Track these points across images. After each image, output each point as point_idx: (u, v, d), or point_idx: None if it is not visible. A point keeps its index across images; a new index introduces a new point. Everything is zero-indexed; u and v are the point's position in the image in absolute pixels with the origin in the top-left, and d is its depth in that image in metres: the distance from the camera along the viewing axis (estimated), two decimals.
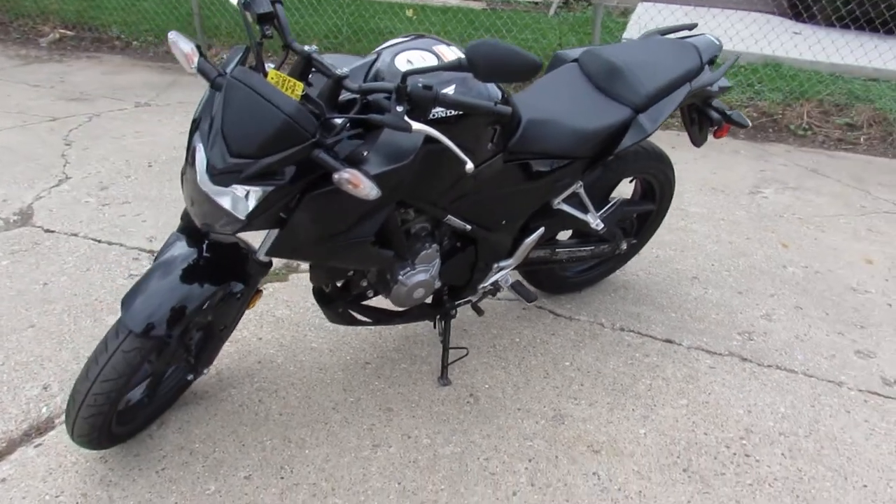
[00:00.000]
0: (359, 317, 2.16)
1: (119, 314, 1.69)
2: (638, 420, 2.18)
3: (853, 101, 4.95)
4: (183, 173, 1.62)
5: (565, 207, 2.24)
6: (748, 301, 2.82)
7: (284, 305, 2.64)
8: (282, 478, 1.92)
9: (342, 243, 1.71)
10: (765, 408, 2.25)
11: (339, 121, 1.58)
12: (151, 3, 6.63)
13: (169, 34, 1.61)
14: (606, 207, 2.37)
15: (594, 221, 2.32)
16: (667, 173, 2.55)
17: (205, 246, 1.80)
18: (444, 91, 1.61)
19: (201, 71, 1.56)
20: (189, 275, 1.71)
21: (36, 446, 1.99)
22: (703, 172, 4.06)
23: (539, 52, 5.45)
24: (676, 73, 2.19)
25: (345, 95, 1.63)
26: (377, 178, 1.55)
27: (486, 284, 2.27)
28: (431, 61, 1.73)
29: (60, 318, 2.53)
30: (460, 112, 1.68)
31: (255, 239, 1.75)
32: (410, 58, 1.74)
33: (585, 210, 2.30)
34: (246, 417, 2.12)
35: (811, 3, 6.00)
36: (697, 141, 2.58)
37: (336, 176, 1.50)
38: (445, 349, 2.29)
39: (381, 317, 2.19)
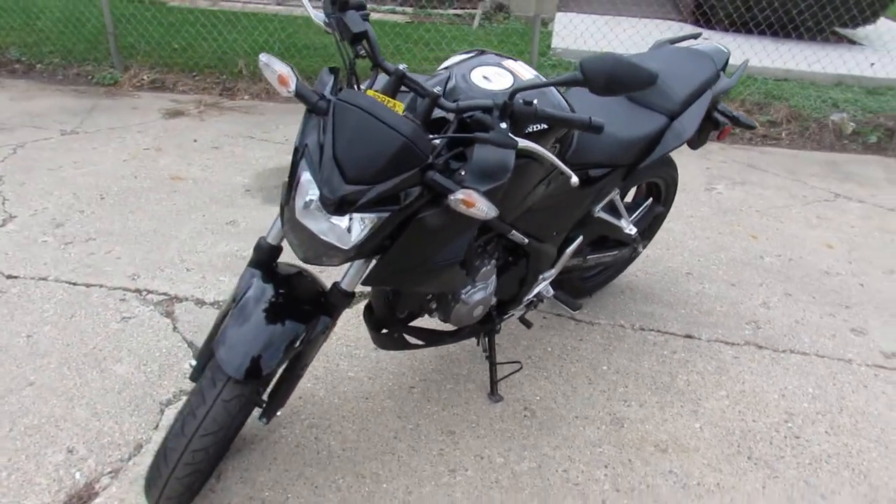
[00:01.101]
0: (412, 340, 2.10)
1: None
2: (689, 415, 2.25)
3: (770, 100, 5.36)
4: (283, 206, 1.52)
5: (603, 215, 2.28)
6: (743, 292, 2.98)
7: None
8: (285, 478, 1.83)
9: (436, 266, 1.66)
10: (795, 390, 2.39)
11: (437, 141, 1.53)
12: (48, 22, 6.14)
13: (260, 56, 1.50)
14: (638, 212, 2.44)
15: (627, 226, 2.38)
16: (673, 175, 2.66)
17: (279, 280, 1.69)
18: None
19: (300, 95, 1.47)
20: (276, 313, 1.61)
21: None
22: None
23: None
24: (700, 79, 2.29)
25: (436, 114, 1.59)
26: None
27: (530, 297, 2.27)
28: (507, 77, 1.72)
29: (60, 372, 2.29)
30: (545, 127, 1.68)
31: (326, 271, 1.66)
32: (486, 73, 1.72)
33: (619, 216, 2.36)
34: (308, 457, 2.01)
35: (713, 10, 6.44)
36: (695, 144, 2.69)
37: (452, 197, 1.45)
38: (493, 365, 2.27)
39: (433, 338, 2.14)
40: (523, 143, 1.51)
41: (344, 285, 1.67)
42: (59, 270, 2.85)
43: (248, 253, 2.93)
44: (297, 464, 1.98)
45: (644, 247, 2.76)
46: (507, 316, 2.25)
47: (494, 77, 1.70)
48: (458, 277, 1.77)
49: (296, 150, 1.51)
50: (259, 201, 3.58)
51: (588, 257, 2.45)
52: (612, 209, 2.33)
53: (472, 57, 1.79)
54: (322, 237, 1.46)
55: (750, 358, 2.54)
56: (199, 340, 2.46)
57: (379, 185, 1.41)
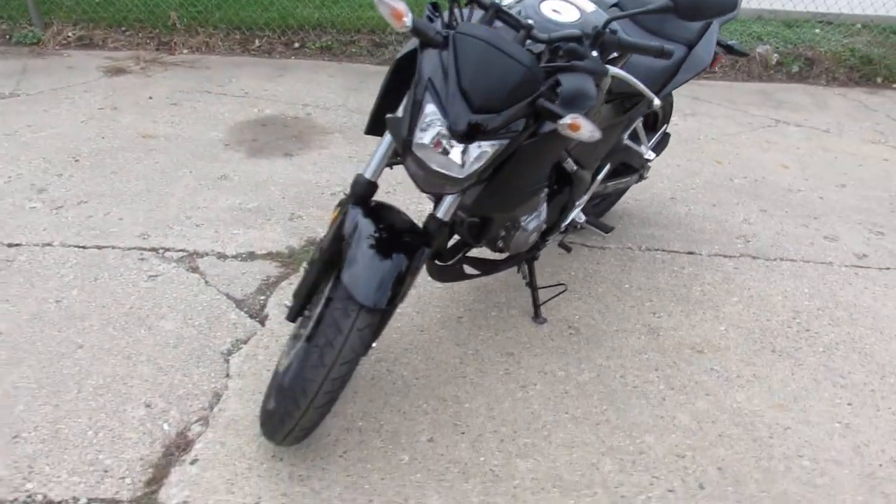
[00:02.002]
0: (469, 270, 2.20)
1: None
2: (713, 320, 2.49)
3: None
4: (403, 139, 1.56)
5: (629, 142, 2.44)
6: (724, 211, 3.26)
7: None
8: (462, 433, 1.96)
9: (531, 191, 1.76)
10: (794, 292, 2.68)
11: None
12: None
13: None
14: (655, 138, 2.62)
15: (647, 152, 2.55)
16: (671, 100, 2.84)
17: (379, 215, 1.75)
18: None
19: (416, 30, 1.51)
20: (388, 245, 1.66)
21: (192, 462, 1.82)
22: None
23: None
24: None
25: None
26: None
27: (567, 223, 2.41)
28: (572, 10, 1.81)
29: (106, 332, 2.25)
30: (615, 55, 1.80)
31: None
32: (554, 6, 1.81)
33: (640, 142, 2.53)
34: (387, 388, 2.10)
35: None
36: None
37: (561, 122, 1.56)
38: (535, 289, 2.42)
39: (488, 267, 2.25)
40: (613, 69, 1.63)
41: (440, 215, 1.75)
42: (63, 235, 2.74)
43: (253, 205, 2.94)
44: (379, 394, 2.06)
45: (647, 172, 2.96)
46: (547, 242, 2.38)
47: (563, 10, 1.79)
48: (538, 202, 1.88)
49: (414, 83, 1.55)
50: (242, 155, 3.52)
51: (608, 184, 2.62)
52: (633, 136, 2.49)
53: None
54: (442, 169, 1.53)
55: (748, 267, 2.82)
56: (235, 292, 2.46)
57: (504, 113, 1.49)
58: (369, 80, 4.76)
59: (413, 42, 1.88)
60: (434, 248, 1.80)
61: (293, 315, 1.84)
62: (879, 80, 5.47)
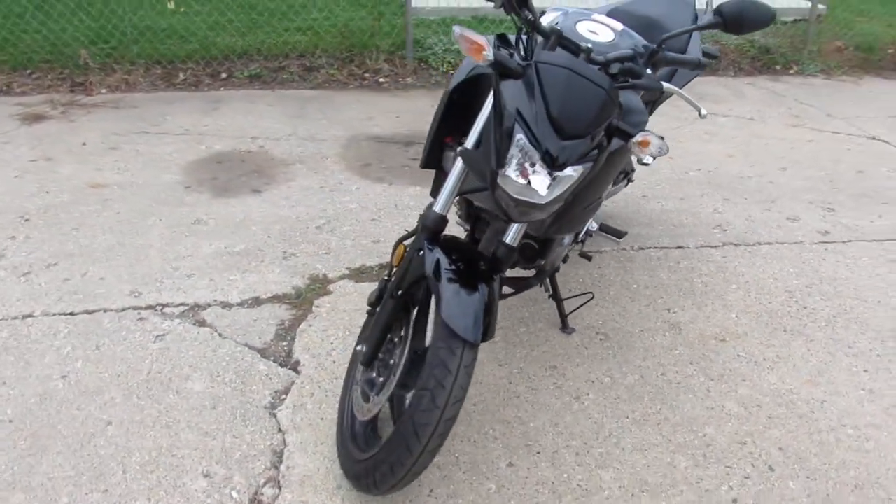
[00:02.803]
0: (504, 290, 2.22)
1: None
2: (723, 309, 2.63)
3: None
4: (495, 170, 1.55)
5: (634, 147, 2.53)
6: (693, 203, 3.44)
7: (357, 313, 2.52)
8: (538, 453, 1.97)
9: (592, 208, 1.80)
10: (781, 272, 2.87)
11: None
12: None
13: (455, 28, 1.52)
14: None
15: (646, 157, 2.65)
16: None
17: (452, 248, 1.73)
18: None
19: (498, 62, 1.51)
20: (470, 278, 1.65)
21: None
22: None
23: (348, 26, 5.47)
24: (689, 19, 2.60)
25: None
26: None
27: (584, 232, 2.47)
28: (606, 30, 1.87)
29: (132, 403, 2.09)
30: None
31: None
32: (589, 28, 1.87)
33: None
34: None
35: None
36: None
37: (634, 140, 1.61)
38: (560, 301, 2.46)
39: (522, 284, 2.27)
40: (667, 85, 1.70)
41: (509, 241, 1.75)
42: (43, 304, 2.52)
43: (240, 248, 2.83)
44: None
45: (633, 175, 3.08)
46: (569, 253, 2.43)
47: (599, 30, 1.84)
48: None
49: (493, 115, 1.54)
50: (209, 195, 3.37)
51: (609, 188, 2.70)
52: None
53: (560, 14, 1.92)
54: (528, 198, 1.53)
55: (734, 255, 2.99)
56: (254, 342, 2.36)
57: (589, 137, 1.52)
58: (309, 106, 4.68)
59: (463, 72, 1.89)
60: (503, 273, 1.80)
61: (368, 360, 1.79)
62: (778, 67, 5.94)
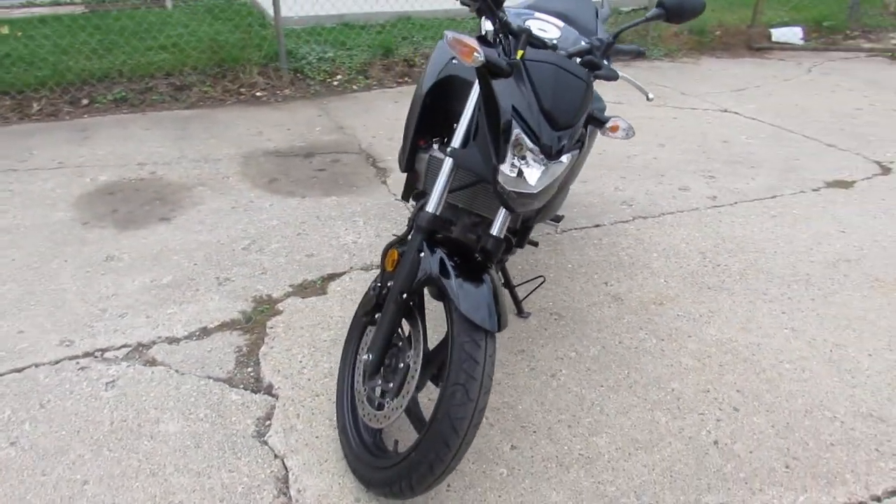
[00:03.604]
0: None
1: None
2: (652, 276, 2.87)
3: None
4: (496, 165, 1.61)
5: None
6: (596, 185, 3.70)
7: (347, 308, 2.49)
8: (534, 432, 2.06)
9: (567, 189, 1.92)
10: (689, 237, 3.17)
11: None
12: None
13: (446, 33, 1.56)
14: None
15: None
16: None
17: (448, 244, 1.78)
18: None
19: (490, 62, 1.57)
20: (472, 271, 1.71)
21: None
22: None
23: (216, 41, 5.27)
24: (591, 12, 2.79)
25: None
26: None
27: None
28: (552, 28, 2.01)
29: (105, 458, 1.94)
30: None
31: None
32: (539, 27, 1.99)
33: None
34: None
35: None
36: None
37: (607, 125, 1.75)
38: (512, 288, 2.58)
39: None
40: (622, 74, 1.85)
41: (496, 233, 1.82)
42: None
43: (167, 279, 2.70)
44: None
45: None
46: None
47: (547, 28, 1.97)
48: None
49: (483, 113, 1.61)
50: (113, 230, 3.15)
51: None
52: None
53: (510, 14, 2.02)
54: (527, 188, 1.62)
55: (645, 226, 3.26)
56: (216, 373, 2.27)
57: (575, 126, 1.63)
58: (190, 127, 4.48)
59: (433, 75, 1.93)
60: (494, 264, 1.87)
61: (375, 368, 1.79)
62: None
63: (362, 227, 3.21)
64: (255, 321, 2.53)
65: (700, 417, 2.11)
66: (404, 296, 1.72)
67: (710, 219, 3.33)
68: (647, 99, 2.04)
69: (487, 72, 1.60)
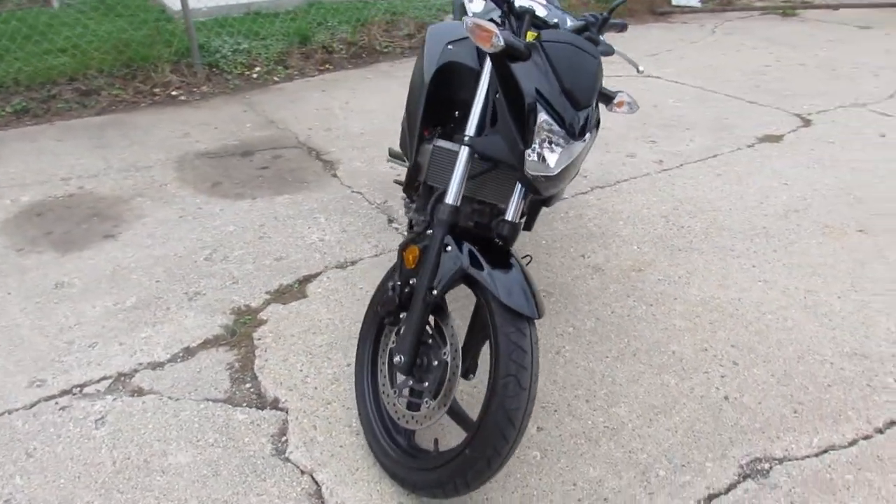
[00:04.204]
0: None
1: None
2: (622, 244, 2.94)
3: (397, 17, 6.08)
4: (523, 150, 1.59)
5: None
6: None
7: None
8: (555, 410, 2.07)
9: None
10: (648, 202, 3.27)
11: None
12: None
13: (465, 20, 1.51)
14: None
15: None
16: None
17: (468, 234, 1.75)
18: None
19: (509, 45, 1.54)
20: (500, 260, 1.69)
21: None
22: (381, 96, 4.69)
23: (121, 39, 4.92)
24: None
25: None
26: None
27: None
28: (538, 6, 2.00)
29: (117, 500, 1.81)
30: None
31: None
32: (522, 4, 1.97)
33: None
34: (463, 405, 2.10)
35: None
36: None
37: (616, 100, 1.76)
38: None
39: None
40: (617, 48, 1.87)
41: (511, 217, 1.79)
42: None
43: (131, 301, 2.54)
44: None
45: None
46: None
47: (535, 7, 1.95)
48: None
49: (513, 98, 1.58)
50: (53, 254, 2.91)
51: None
52: None
53: None
54: (546, 172, 1.61)
55: (605, 195, 3.33)
56: (213, 394, 2.15)
57: (592, 105, 1.63)
58: (107, 134, 4.19)
59: (433, 63, 1.86)
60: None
61: (408, 368, 1.74)
62: None
63: (325, 223, 3.11)
64: (241, 334, 2.41)
65: (706, 376, 2.19)
66: (434, 292, 1.67)
67: (663, 182, 3.44)
68: (638, 72, 2.06)
69: (506, 56, 1.57)
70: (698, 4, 7.17)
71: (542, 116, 1.55)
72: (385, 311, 1.81)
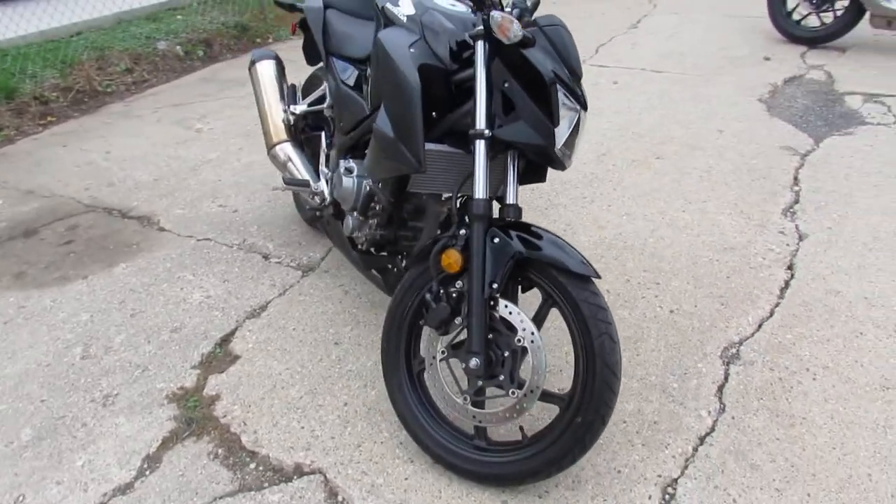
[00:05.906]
0: None
1: None
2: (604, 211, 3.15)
3: (105, 53, 5.44)
4: (552, 129, 1.67)
5: None
6: None
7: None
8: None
9: None
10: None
11: None
12: None
13: (494, 14, 1.55)
14: None
15: None
16: None
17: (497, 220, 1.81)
18: None
19: (524, 34, 1.61)
20: (536, 237, 1.77)
21: None
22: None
23: None
24: None
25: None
26: None
27: None
28: (459, 5, 2.08)
29: None
30: None
31: None
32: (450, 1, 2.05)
33: None
34: None
35: None
36: None
37: None
38: None
39: None
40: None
41: (513, 200, 1.85)
42: None
43: (27, 436, 2.19)
44: None
45: None
46: None
47: (455, 3, 2.04)
48: None
49: (531, 83, 1.65)
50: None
51: None
52: None
53: None
54: (571, 142, 1.75)
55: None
56: (214, 491, 1.87)
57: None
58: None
59: (409, 66, 1.80)
60: None
61: (485, 368, 1.73)
62: (259, 40, 6.38)
63: (196, 280, 2.78)
64: (200, 419, 2.09)
65: (644, 301, 2.52)
66: (494, 285, 1.69)
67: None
68: None
69: (519, 44, 1.64)
70: None
71: (562, 93, 1.66)
72: (436, 325, 1.76)
